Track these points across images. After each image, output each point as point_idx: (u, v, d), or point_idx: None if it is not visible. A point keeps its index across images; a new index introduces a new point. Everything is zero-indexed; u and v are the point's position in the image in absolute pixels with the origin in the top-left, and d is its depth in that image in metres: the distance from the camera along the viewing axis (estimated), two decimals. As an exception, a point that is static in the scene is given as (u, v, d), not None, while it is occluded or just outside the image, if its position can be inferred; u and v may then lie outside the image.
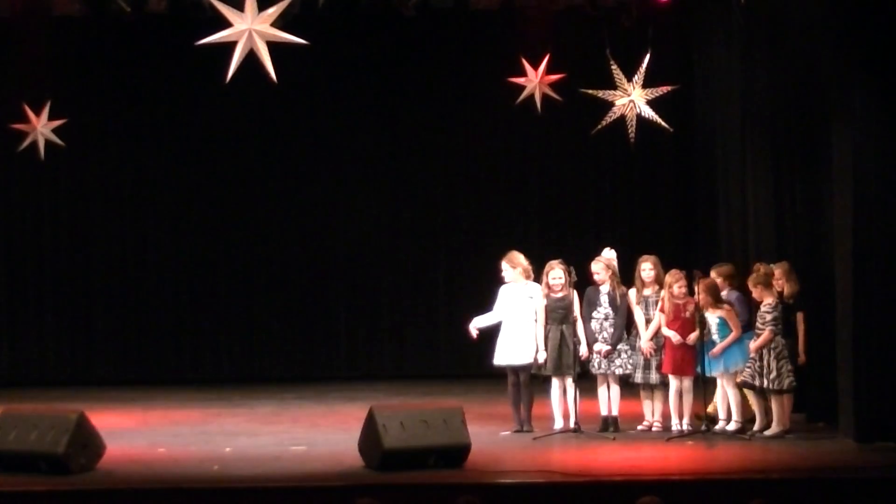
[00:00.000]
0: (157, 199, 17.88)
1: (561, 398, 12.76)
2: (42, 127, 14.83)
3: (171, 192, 17.85)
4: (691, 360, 12.51)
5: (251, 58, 11.50)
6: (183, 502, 10.15)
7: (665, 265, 12.90)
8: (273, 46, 11.52)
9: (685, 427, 12.52)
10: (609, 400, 12.76)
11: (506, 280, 12.99)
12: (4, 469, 10.88)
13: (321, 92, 17.59)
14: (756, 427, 12.25)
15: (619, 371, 12.73)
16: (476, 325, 12.99)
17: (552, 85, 14.93)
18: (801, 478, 10.32)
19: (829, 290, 12.27)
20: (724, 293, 12.60)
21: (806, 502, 9.96)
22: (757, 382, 12.10)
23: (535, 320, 12.79)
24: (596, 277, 12.83)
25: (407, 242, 18.08)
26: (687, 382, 12.59)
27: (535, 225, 17.80)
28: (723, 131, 16.17)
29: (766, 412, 12.28)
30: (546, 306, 12.76)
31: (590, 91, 14.36)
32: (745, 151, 15.35)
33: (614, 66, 14.20)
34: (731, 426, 12.40)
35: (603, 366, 12.73)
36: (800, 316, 12.38)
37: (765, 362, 12.08)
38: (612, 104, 14.29)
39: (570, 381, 12.66)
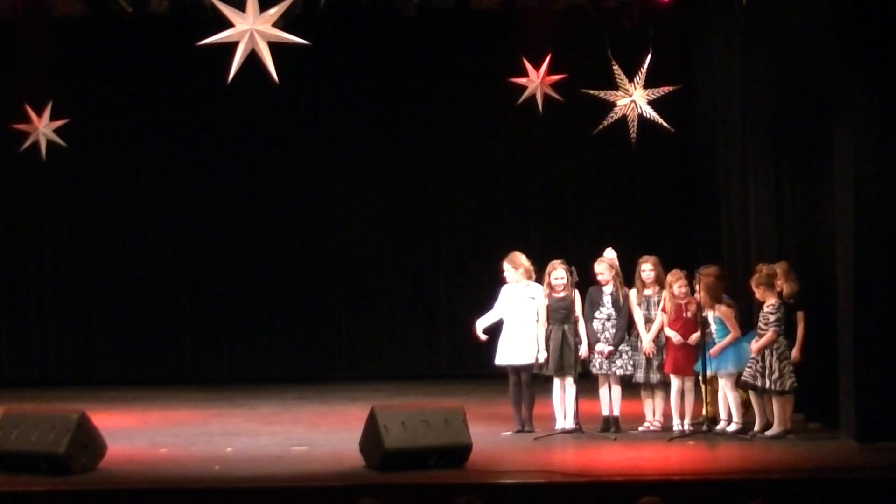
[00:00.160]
0: (158, 199, 17.88)
1: (562, 398, 12.75)
2: (43, 127, 14.85)
3: (172, 192, 17.86)
4: (692, 360, 12.51)
5: (252, 58, 11.50)
6: (184, 502, 10.15)
7: (666, 265, 12.90)
8: (274, 46, 11.52)
9: (686, 427, 12.52)
10: (610, 400, 12.76)
11: (507, 280, 12.99)
12: (5, 469, 10.89)
13: (322, 92, 17.59)
14: (756, 427, 12.25)
15: (620, 371, 12.72)
16: (480, 326, 12.98)
17: (553, 85, 14.95)
18: (803, 478, 10.31)
19: (830, 290, 12.27)
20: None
21: (807, 502, 9.96)
22: (758, 383, 12.09)
23: (537, 321, 12.79)
24: (600, 278, 12.82)
25: (408, 243, 18.07)
26: (688, 382, 12.59)
27: (537, 225, 17.80)
28: (724, 131, 16.16)
29: (765, 412, 12.27)
30: (548, 306, 12.76)
31: (591, 91, 14.36)
32: (745, 151, 15.35)
33: (615, 67, 14.20)
34: (732, 427, 12.39)
35: (604, 366, 12.73)
36: (799, 315, 12.37)
37: (767, 363, 12.07)
38: (613, 104, 14.29)
39: (570, 381, 12.66)
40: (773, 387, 12.05)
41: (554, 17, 16.09)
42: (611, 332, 12.72)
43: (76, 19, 16.57)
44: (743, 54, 15.17)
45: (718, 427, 12.47)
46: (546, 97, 14.95)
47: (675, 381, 12.58)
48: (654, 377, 12.63)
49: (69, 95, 16.16)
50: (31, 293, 17.84)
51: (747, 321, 12.78)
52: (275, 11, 11.43)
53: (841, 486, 10.16)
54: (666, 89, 14.27)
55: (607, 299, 12.78)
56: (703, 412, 12.60)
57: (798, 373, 12.22)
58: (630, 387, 12.87)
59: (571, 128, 16.81)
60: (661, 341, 12.66)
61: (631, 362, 12.71)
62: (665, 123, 14.38)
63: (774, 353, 12.07)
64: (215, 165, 17.80)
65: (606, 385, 12.76)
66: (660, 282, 12.76)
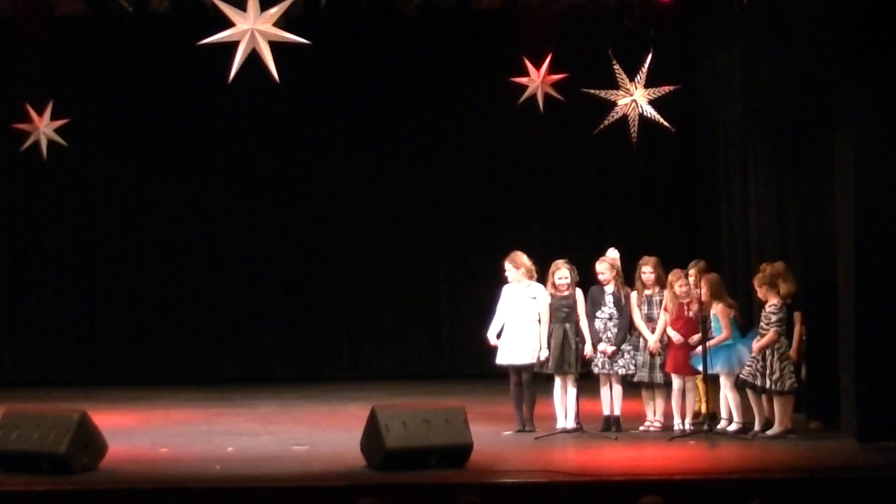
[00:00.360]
0: (159, 198, 17.88)
1: (563, 398, 12.75)
2: (44, 127, 14.86)
3: (172, 191, 17.85)
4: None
5: (253, 57, 11.50)
6: (185, 502, 10.15)
7: (666, 265, 12.89)
8: (275, 46, 11.52)
9: (687, 427, 12.52)
10: (611, 400, 12.76)
11: (509, 280, 12.99)
12: (7, 469, 10.89)
13: (323, 92, 17.58)
14: (756, 427, 12.25)
15: (622, 371, 12.72)
16: (492, 334, 12.97)
17: (554, 85, 14.95)
18: (803, 478, 10.30)
19: (831, 290, 12.27)
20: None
21: (808, 502, 9.96)
22: (758, 382, 12.09)
23: (538, 321, 12.79)
24: (601, 277, 12.82)
25: (409, 243, 18.08)
26: (689, 382, 12.59)
27: (538, 225, 17.79)
28: (725, 131, 16.17)
29: (764, 411, 12.27)
30: (550, 304, 12.76)
31: (592, 91, 14.35)
32: (747, 151, 15.36)
33: (616, 66, 14.19)
34: (733, 426, 12.39)
35: (606, 366, 12.73)
36: (796, 316, 12.37)
37: (768, 363, 12.07)
38: (614, 104, 14.28)
39: (571, 381, 12.66)
40: (773, 387, 12.05)
41: (555, 16, 16.11)
42: (613, 331, 12.72)
43: (77, 19, 16.58)
44: (744, 54, 15.18)
45: (719, 427, 12.47)
46: (547, 97, 14.95)
47: (675, 381, 12.58)
48: (658, 377, 12.63)
49: (70, 95, 16.17)
50: (31, 293, 17.85)
51: (748, 321, 12.76)
52: (276, 11, 11.43)
53: (842, 485, 10.16)
54: (667, 89, 14.26)
55: (609, 299, 12.78)
56: (702, 409, 12.60)
57: (796, 372, 12.23)
58: (630, 386, 12.87)
59: (572, 127, 16.80)
60: (663, 340, 12.65)
61: (633, 362, 12.71)
62: (666, 123, 14.37)
63: (776, 353, 12.07)
64: (216, 165, 17.80)
65: (608, 385, 12.76)
66: (660, 283, 12.75)
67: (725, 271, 14.83)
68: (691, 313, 12.51)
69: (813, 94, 12.99)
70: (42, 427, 10.89)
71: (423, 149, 17.97)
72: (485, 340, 13.04)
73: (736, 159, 15.78)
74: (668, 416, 12.72)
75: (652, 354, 12.63)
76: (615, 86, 14.24)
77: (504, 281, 13.04)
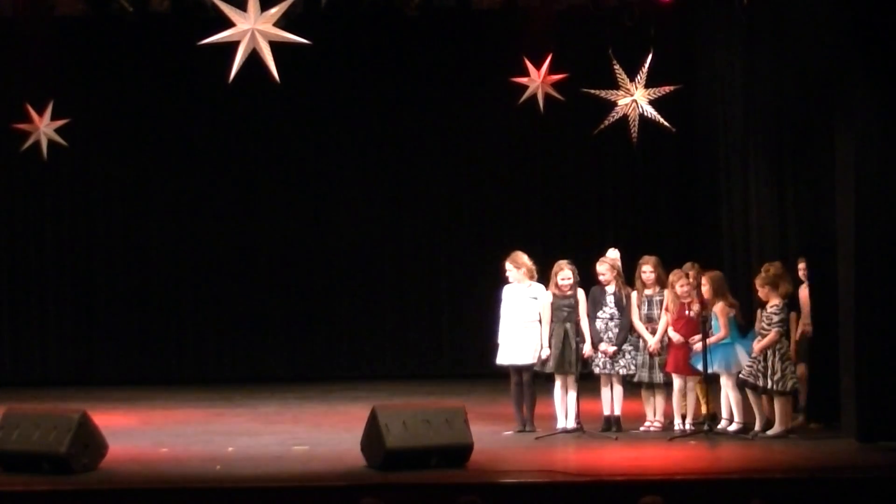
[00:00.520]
0: (160, 198, 17.89)
1: (563, 398, 12.75)
2: (45, 127, 14.86)
3: (173, 191, 17.86)
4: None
5: (254, 57, 11.50)
6: (185, 502, 10.14)
7: (667, 265, 12.90)
8: (276, 46, 11.53)
9: (688, 427, 12.52)
10: (612, 400, 12.76)
11: (510, 280, 12.98)
12: (7, 469, 10.89)
13: (324, 92, 17.59)
14: (757, 427, 12.24)
15: (622, 371, 12.72)
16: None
17: (554, 85, 14.95)
18: (804, 478, 10.30)
19: (832, 290, 12.26)
20: (686, 289, 12.56)
21: (808, 502, 9.95)
22: (760, 383, 12.08)
23: (539, 321, 12.79)
24: (602, 278, 12.81)
25: (410, 242, 18.08)
26: (690, 382, 12.59)
27: (538, 225, 17.79)
28: (725, 131, 16.17)
29: (764, 411, 12.27)
30: (551, 304, 12.75)
31: (592, 91, 14.37)
32: (747, 151, 15.36)
33: (616, 66, 14.20)
34: (733, 427, 12.39)
35: (607, 366, 12.73)
36: (793, 316, 12.36)
37: (769, 363, 12.06)
38: (614, 104, 14.29)
39: (572, 381, 12.66)
40: (774, 387, 12.04)
41: (555, 16, 16.12)
42: (614, 331, 12.72)
43: (77, 19, 16.59)
44: (744, 54, 15.17)
45: (719, 427, 12.47)
46: (547, 97, 14.95)
47: (676, 381, 12.58)
48: (658, 377, 12.62)
49: (70, 95, 16.17)
50: (32, 293, 17.85)
51: (748, 321, 12.75)
52: (276, 11, 11.43)
53: (842, 485, 10.16)
54: (667, 89, 14.27)
55: (610, 299, 12.77)
56: (703, 410, 12.60)
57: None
58: (631, 386, 12.86)
59: (572, 127, 16.81)
60: (663, 341, 12.65)
61: (633, 362, 12.71)
62: (666, 123, 14.39)
63: (777, 353, 12.06)
64: (216, 165, 17.80)
65: (608, 385, 12.76)
66: (660, 282, 12.76)
67: (725, 271, 14.75)
68: (692, 313, 12.51)
69: (813, 93, 12.99)
70: (42, 427, 10.88)
71: (423, 149, 17.97)
72: (493, 343, 13.04)
73: (736, 159, 15.78)
74: (668, 416, 12.72)
75: (652, 355, 12.63)
76: (615, 86, 14.25)
77: (505, 281, 13.04)
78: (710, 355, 12.29)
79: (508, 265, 12.97)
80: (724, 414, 12.55)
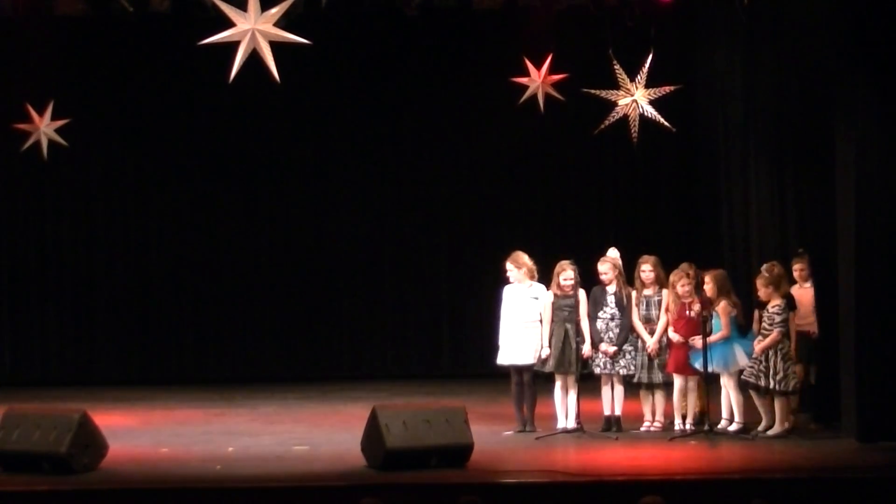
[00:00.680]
0: (160, 198, 17.88)
1: (563, 398, 12.75)
2: (45, 127, 14.84)
3: (173, 191, 17.86)
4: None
5: (254, 57, 11.50)
6: (186, 502, 10.14)
7: (668, 265, 12.90)
8: (276, 46, 11.52)
9: (688, 427, 12.52)
10: (612, 400, 12.76)
11: (511, 280, 12.98)
12: (7, 469, 10.90)
13: (324, 92, 17.58)
14: (761, 427, 12.23)
15: (623, 371, 12.72)
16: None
17: (555, 85, 14.93)
18: (804, 477, 10.31)
19: (832, 289, 12.26)
20: (687, 289, 12.56)
21: (809, 502, 9.95)
22: (762, 383, 12.08)
23: (540, 321, 12.79)
24: (603, 277, 12.81)
25: (410, 242, 18.06)
26: (691, 382, 12.58)
27: (538, 225, 17.77)
28: (725, 131, 16.17)
29: (768, 413, 12.27)
30: (552, 304, 12.75)
31: (592, 91, 14.36)
32: (747, 151, 15.36)
33: (617, 66, 14.19)
34: (733, 426, 12.39)
35: (608, 366, 12.72)
36: (792, 315, 12.36)
37: (771, 363, 12.06)
38: (614, 104, 14.28)
39: (572, 381, 12.66)
40: (777, 387, 12.04)
41: (555, 16, 16.08)
42: (614, 332, 12.71)
43: (77, 19, 16.56)
44: (744, 54, 15.17)
45: (720, 426, 12.47)
46: (547, 97, 14.93)
47: (677, 381, 12.57)
48: (657, 377, 12.62)
49: (70, 95, 16.14)
50: (32, 292, 17.84)
51: (748, 321, 12.74)
52: (276, 11, 11.43)
53: (842, 485, 10.16)
54: (667, 89, 14.26)
55: (611, 299, 12.77)
56: (697, 407, 12.61)
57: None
58: (632, 387, 12.86)
59: (573, 127, 16.79)
60: (663, 340, 12.65)
61: (634, 362, 12.70)
62: (666, 123, 14.38)
63: (779, 353, 12.06)
64: (216, 165, 17.79)
65: (609, 385, 12.76)
66: (659, 282, 12.76)
67: (725, 271, 14.81)
68: (692, 313, 12.50)
69: (813, 93, 12.99)
70: (43, 427, 10.89)
71: (423, 148, 17.96)
72: (493, 343, 13.04)
73: (736, 159, 15.77)
74: (667, 416, 12.72)
75: (650, 355, 12.63)
76: (616, 86, 14.24)
77: (505, 281, 13.04)
78: (709, 354, 12.29)
79: (509, 265, 12.97)
80: (725, 414, 12.55)
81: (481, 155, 17.88)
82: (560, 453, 11.88)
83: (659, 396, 12.71)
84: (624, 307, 12.73)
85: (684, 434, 12.38)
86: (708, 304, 12.37)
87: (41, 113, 14.83)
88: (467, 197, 17.99)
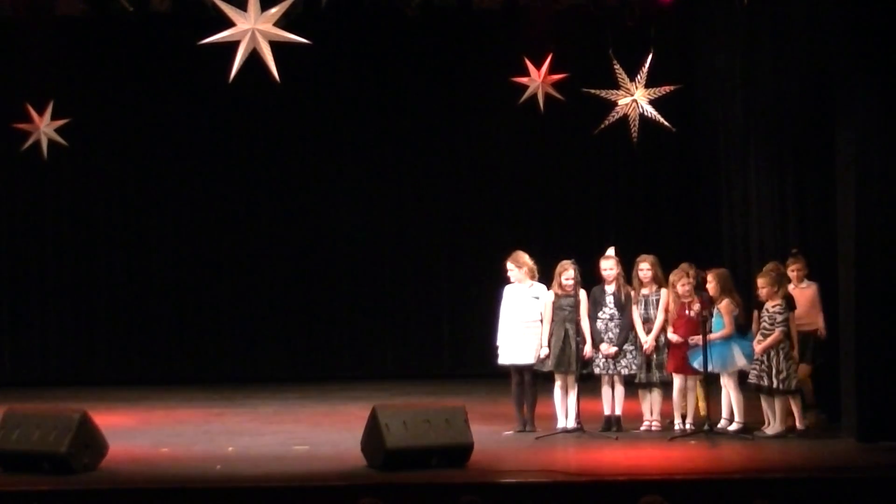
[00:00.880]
0: (160, 198, 17.89)
1: (563, 397, 12.75)
2: (45, 126, 14.85)
3: (173, 191, 17.86)
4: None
5: (254, 57, 11.50)
6: (186, 502, 10.14)
7: (668, 265, 12.89)
8: (276, 46, 11.52)
9: (688, 426, 12.52)
10: (612, 400, 12.75)
11: (511, 280, 12.98)
12: (7, 469, 10.90)
13: (324, 91, 17.59)
14: (770, 431, 12.21)
15: (624, 371, 12.72)
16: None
17: (555, 84, 14.94)
18: (804, 477, 10.31)
19: (832, 289, 12.27)
20: (687, 289, 12.56)
21: (809, 502, 9.95)
22: (764, 382, 12.07)
23: (541, 321, 12.79)
24: (607, 274, 12.77)
25: (410, 242, 18.06)
26: (690, 382, 12.58)
27: (538, 224, 17.78)
28: (725, 130, 16.17)
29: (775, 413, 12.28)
30: (553, 303, 12.75)
31: (592, 91, 14.36)
32: (747, 151, 15.36)
33: (617, 66, 14.20)
34: (734, 426, 12.39)
35: (609, 366, 12.72)
36: (791, 316, 12.36)
37: (773, 362, 12.05)
38: (614, 104, 14.29)
39: (572, 380, 12.66)
40: (780, 386, 12.03)
41: (555, 16, 16.10)
42: (614, 332, 12.71)
43: (78, 18, 16.57)
44: (744, 53, 15.18)
45: (720, 426, 12.47)
46: (547, 96, 14.94)
47: (677, 380, 12.57)
48: (654, 376, 12.63)
49: (71, 95, 16.14)
50: (32, 292, 17.84)
51: (747, 321, 12.75)
52: (276, 11, 11.43)
53: (842, 485, 10.16)
54: (667, 88, 14.27)
55: (610, 299, 12.77)
56: (702, 413, 12.60)
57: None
58: (632, 386, 12.86)
59: (573, 127, 16.80)
60: (661, 340, 12.65)
61: (635, 362, 12.70)
62: (666, 123, 14.38)
63: (781, 352, 12.06)
64: (216, 165, 17.80)
65: (609, 385, 12.76)
66: (657, 281, 12.76)
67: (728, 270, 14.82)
68: (692, 313, 12.50)
69: (813, 93, 13.00)
70: (43, 427, 10.89)
71: (423, 148, 17.97)
72: (493, 344, 13.04)
73: (736, 159, 15.78)
74: (665, 415, 12.72)
75: (647, 354, 12.62)
76: (616, 86, 14.24)
77: (506, 281, 13.04)
78: (708, 354, 12.30)
79: (510, 265, 12.97)
80: (725, 413, 12.54)
81: (481, 155, 17.89)
82: (560, 453, 11.88)
83: (656, 396, 12.71)
84: (623, 307, 12.73)
85: (684, 434, 12.38)
86: (708, 304, 12.37)
87: (41, 113, 14.84)
88: (467, 197, 17.99)
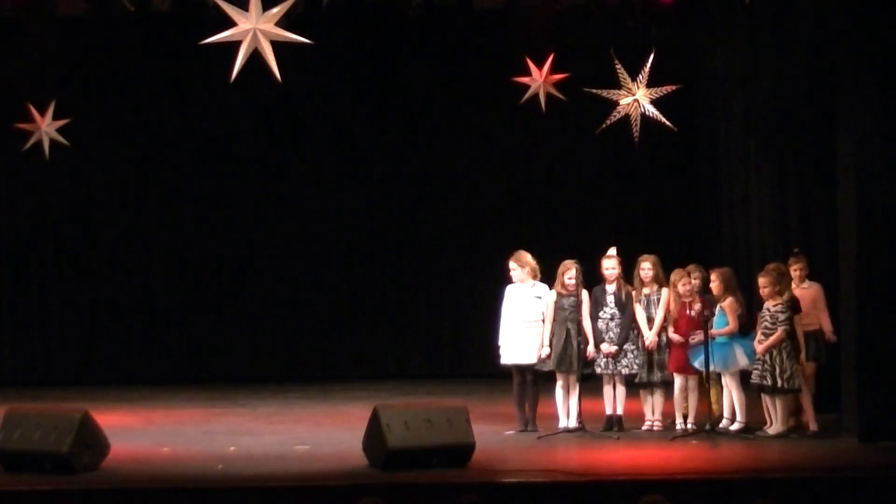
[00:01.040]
0: (161, 198, 17.89)
1: (565, 397, 12.75)
2: (46, 126, 14.82)
3: (174, 191, 17.86)
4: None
5: (255, 57, 11.49)
6: (187, 502, 10.16)
7: (668, 265, 12.90)
8: (277, 46, 11.52)
9: (689, 426, 12.52)
10: (614, 399, 12.75)
11: (513, 279, 12.99)
12: (9, 468, 10.91)
13: (325, 91, 17.58)
14: (772, 431, 12.21)
15: (625, 371, 12.72)
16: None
17: (556, 84, 14.91)
18: (805, 477, 10.31)
19: (833, 289, 12.26)
20: (688, 288, 12.57)
21: (810, 502, 9.96)
22: (768, 382, 12.07)
23: (543, 320, 12.79)
24: (610, 273, 12.78)
25: (411, 242, 18.07)
26: (692, 381, 12.59)
27: (539, 224, 17.77)
28: (727, 130, 16.17)
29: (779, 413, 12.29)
30: (555, 303, 12.75)
31: (594, 90, 14.34)
32: (748, 151, 15.36)
33: (618, 66, 14.18)
34: (735, 426, 12.39)
35: (609, 366, 12.72)
36: (796, 317, 12.36)
37: (776, 362, 12.05)
38: (616, 103, 14.26)
39: (573, 380, 12.66)
40: (783, 385, 12.03)
41: (557, 16, 16.06)
42: (615, 331, 12.72)
43: (79, 18, 16.52)
44: (745, 53, 15.17)
45: (721, 426, 12.47)
46: (549, 96, 14.91)
47: (678, 380, 12.58)
48: (655, 376, 12.63)
49: (72, 94, 16.14)
50: (33, 292, 17.84)
51: (748, 321, 12.75)
52: (277, 10, 11.42)
53: (843, 485, 10.16)
54: (668, 88, 14.25)
55: (610, 299, 12.77)
56: (713, 410, 12.59)
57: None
58: (632, 386, 12.86)
59: (574, 127, 16.81)
60: (662, 340, 12.65)
61: (636, 361, 12.70)
62: (668, 122, 14.36)
63: (783, 352, 12.06)
64: (218, 164, 17.80)
65: (611, 384, 12.76)
66: (658, 281, 12.76)
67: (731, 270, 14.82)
68: (693, 313, 12.50)
69: (814, 93, 13.00)
70: (44, 427, 10.89)
71: (424, 148, 17.97)
72: (493, 344, 13.04)
73: (737, 159, 15.77)
74: (666, 415, 12.72)
75: (648, 350, 12.62)
76: (617, 85, 14.22)
77: (507, 280, 13.04)
78: (699, 352, 12.30)
79: (512, 264, 12.97)
80: (726, 413, 12.55)
81: (482, 154, 17.89)
82: (561, 453, 11.88)
83: (658, 396, 12.71)
84: (623, 307, 12.73)
85: (686, 434, 12.38)
86: (709, 304, 12.37)
87: (42, 113, 14.82)
88: (469, 196, 17.99)
